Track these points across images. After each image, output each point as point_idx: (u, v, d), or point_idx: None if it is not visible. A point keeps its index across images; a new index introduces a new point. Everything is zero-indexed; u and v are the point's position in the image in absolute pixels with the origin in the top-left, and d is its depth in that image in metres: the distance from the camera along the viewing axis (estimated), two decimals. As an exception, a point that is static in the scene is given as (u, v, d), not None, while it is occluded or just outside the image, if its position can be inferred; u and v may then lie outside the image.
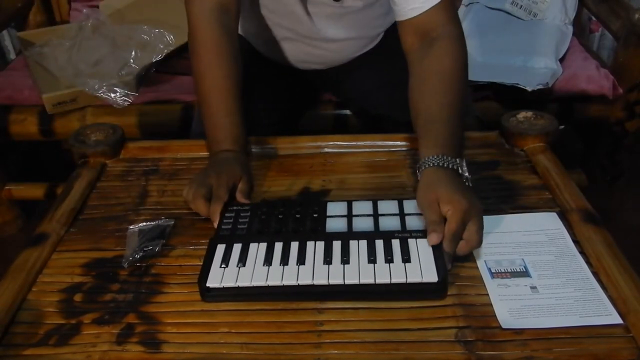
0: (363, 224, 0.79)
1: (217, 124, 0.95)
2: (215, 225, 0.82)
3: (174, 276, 0.77)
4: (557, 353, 0.63)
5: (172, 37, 1.55)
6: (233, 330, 0.68)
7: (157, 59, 1.51)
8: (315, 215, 0.81)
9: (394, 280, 0.70)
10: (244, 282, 0.71)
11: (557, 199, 0.86)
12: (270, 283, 0.71)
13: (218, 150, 0.93)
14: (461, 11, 1.68)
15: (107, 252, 0.81)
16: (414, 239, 0.75)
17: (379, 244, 0.75)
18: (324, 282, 0.71)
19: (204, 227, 0.84)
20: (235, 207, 0.84)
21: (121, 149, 1.04)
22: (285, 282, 0.71)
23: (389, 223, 0.79)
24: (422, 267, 0.71)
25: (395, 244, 0.75)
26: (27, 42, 1.65)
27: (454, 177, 0.79)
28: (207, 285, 0.71)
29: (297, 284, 0.71)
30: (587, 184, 1.53)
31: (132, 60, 1.49)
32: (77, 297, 0.74)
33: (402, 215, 0.80)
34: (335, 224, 0.80)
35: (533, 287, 0.72)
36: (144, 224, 0.85)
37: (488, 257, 0.77)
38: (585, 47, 1.62)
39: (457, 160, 0.81)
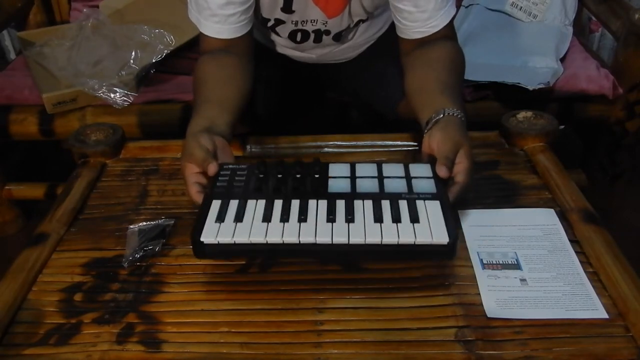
0: (367, 185, 0.75)
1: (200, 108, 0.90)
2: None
3: (174, 276, 0.77)
4: (556, 352, 0.63)
5: (172, 37, 1.55)
6: (233, 330, 0.68)
7: (157, 59, 1.51)
8: (316, 175, 0.77)
9: (401, 241, 0.66)
10: (241, 238, 0.67)
11: (557, 199, 0.86)
12: (270, 240, 0.67)
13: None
14: (461, 12, 1.67)
15: (107, 252, 0.81)
16: (422, 201, 0.71)
17: (385, 204, 0.71)
18: (327, 240, 0.67)
19: (204, 227, 0.84)
20: (231, 166, 0.80)
21: (121, 149, 1.04)
22: (286, 239, 0.67)
23: (395, 185, 0.75)
24: (432, 228, 0.67)
25: (403, 204, 0.71)
26: (27, 42, 1.65)
27: (466, 131, 0.82)
28: (201, 239, 0.68)
29: (298, 242, 0.67)
30: (587, 184, 1.53)
31: (132, 60, 1.49)
32: (77, 297, 0.74)
33: (408, 178, 0.76)
34: (338, 184, 0.76)
35: (522, 280, 0.72)
36: (144, 223, 0.85)
37: (481, 249, 0.77)
38: (585, 47, 1.62)
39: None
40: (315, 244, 0.67)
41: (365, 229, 0.68)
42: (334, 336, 0.67)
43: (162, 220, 0.86)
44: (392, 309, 0.70)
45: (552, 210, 0.84)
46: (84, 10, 1.65)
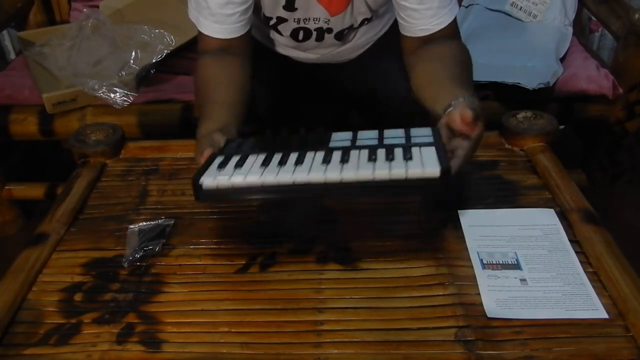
0: (367, 142, 0.77)
1: (207, 112, 0.91)
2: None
3: (174, 276, 0.77)
4: (556, 352, 0.63)
5: (172, 37, 1.55)
6: (233, 330, 0.68)
7: (157, 59, 1.51)
8: (319, 140, 0.79)
9: (393, 174, 0.66)
10: (237, 180, 0.69)
11: (557, 199, 0.87)
12: (265, 180, 0.69)
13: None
14: (461, 12, 1.67)
15: (107, 252, 0.81)
16: (418, 147, 0.72)
17: (381, 150, 0.72)
18: (320, 177, 0.68)
19: (204, 227, 0.84)
20: (239, 140, 0.82)
21: (121, 149, 1.04)
22: (280, 179, 0.69)
23: (394, 141, 0.76)
24: (424, 162, 0.67)
25: (398, 150, 0.72)
26: (27, 42, 1.65)
27: None
28: (200, 182, 0.70)
29: (292, 182, 0.68)
30: (587, 184, 1.53)
31: (132, 61, 1.49)
32: (77, 297, 0.74)
33: (407, 137, 0.76)
34: (338, 143, 0.77)
35: (523, 280, 0.73)
36: (144, 223, 0.85)
37: (481, 249, 0.78)
38: (585, 47, 1.61)
39: None
40: (308, 184, 0.68)
41: (358, 166, 0.69)
42: (334, 336, 0.67)
43: (162, 220, 0.86)
44: (392, 309, 0.70)
45: (552, 210, 0.84)
46: (84, 10, 1.65)
